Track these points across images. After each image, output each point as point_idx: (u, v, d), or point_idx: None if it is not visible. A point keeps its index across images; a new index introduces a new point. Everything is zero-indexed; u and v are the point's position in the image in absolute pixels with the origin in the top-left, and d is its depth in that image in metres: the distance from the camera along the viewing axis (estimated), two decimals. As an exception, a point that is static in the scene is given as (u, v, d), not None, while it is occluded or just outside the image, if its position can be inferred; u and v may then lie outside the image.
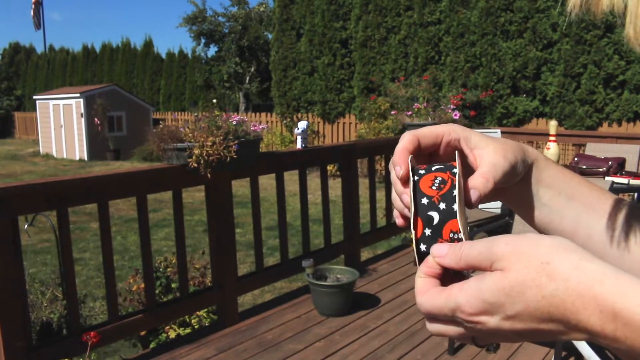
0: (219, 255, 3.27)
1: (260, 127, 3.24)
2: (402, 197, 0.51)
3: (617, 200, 0.56)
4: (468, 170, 0.53)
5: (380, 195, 5.20)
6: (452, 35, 10.34)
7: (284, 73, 13.67)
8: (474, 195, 0.50)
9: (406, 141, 0.52)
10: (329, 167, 7.32)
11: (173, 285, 3.48)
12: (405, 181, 0.50)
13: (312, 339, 3.08)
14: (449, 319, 0.42)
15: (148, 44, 23.66)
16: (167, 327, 3.22)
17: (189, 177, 3.00)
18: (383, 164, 8.23)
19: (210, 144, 2.85)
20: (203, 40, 21.05)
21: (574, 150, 6.30)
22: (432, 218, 0.46)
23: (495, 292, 0.39)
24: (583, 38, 8.90)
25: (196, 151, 2.85)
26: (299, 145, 3.84)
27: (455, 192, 0.46)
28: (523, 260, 0.39)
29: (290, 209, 6.67)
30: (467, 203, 0.50)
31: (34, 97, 20.87)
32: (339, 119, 12.87)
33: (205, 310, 3.38)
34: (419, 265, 0.45)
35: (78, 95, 17.32)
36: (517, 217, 2.81)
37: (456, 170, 0.47)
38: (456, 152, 0.51)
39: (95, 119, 16.99)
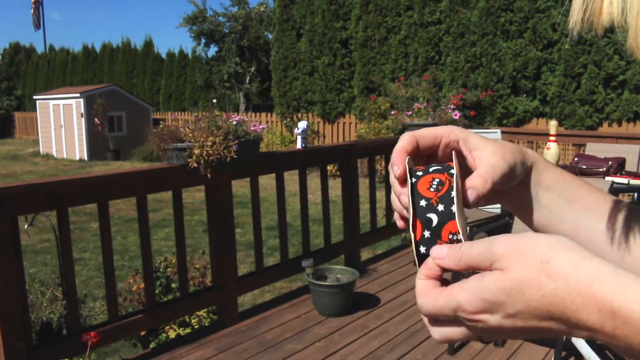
0: (219, 255, 3.27)
1: (260, 127, 3.24)
2: (401, 198, 0.51)
3: (616, 202, 0.56)
4: (466, 171, 0.53)
5: (380, 195, 5.20)
6: (452, 35, 10.34)
7: (284, 73, 13.67)
8: (471, 195, 0.50)
9: (404, 142, 0.52)
10: (329, 167, 7.33)
11: (173, 285, 3.48)
12: (402, 181, 0.50)
13: (312, 339, 3.08)
14: (451, 318, 0.42)
15: (148, 44, 23.67)
16: (167, 327, 3.22)
17: (189, 177, 3.00)
18: (383, 164, 8.23)
19: (210, 144, 2.85)
20: (203, 40, 21.05)
21: (574, 150, 6.30)
22: (430, 220, 0.46)
23: (495, 292, 0.39)
24: (583, 38, 8.90)
25: (196, 151, 2.85)
26: (299, 145, 3.84)
27: (454, 193, 0.46)
28: (522, 259, 0.39)
29: (290, 209, 6.67)
30: (465, 203, 0.50)
31: (34, 97, 20.89)
32: (339, 119, 12.87)
33: (205, 310, 3.38)
34: (419, 267, 0.45)
35: (78, 95, 17.33)
36: (517, 217, 2.81)
37: (454, 171, 0.47)
38: (453, 153, 0.51)
39: (96, 119, 16.99)
